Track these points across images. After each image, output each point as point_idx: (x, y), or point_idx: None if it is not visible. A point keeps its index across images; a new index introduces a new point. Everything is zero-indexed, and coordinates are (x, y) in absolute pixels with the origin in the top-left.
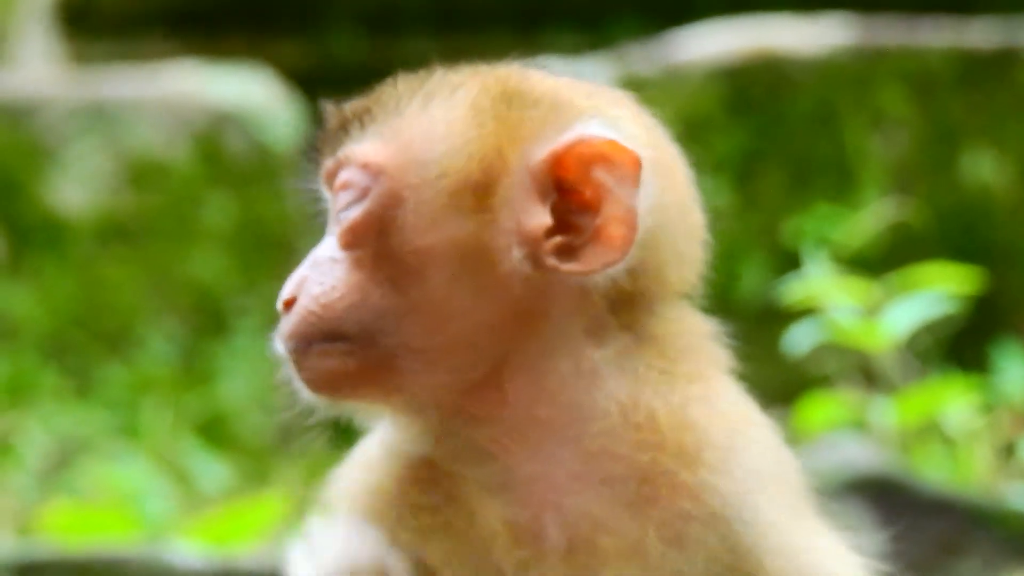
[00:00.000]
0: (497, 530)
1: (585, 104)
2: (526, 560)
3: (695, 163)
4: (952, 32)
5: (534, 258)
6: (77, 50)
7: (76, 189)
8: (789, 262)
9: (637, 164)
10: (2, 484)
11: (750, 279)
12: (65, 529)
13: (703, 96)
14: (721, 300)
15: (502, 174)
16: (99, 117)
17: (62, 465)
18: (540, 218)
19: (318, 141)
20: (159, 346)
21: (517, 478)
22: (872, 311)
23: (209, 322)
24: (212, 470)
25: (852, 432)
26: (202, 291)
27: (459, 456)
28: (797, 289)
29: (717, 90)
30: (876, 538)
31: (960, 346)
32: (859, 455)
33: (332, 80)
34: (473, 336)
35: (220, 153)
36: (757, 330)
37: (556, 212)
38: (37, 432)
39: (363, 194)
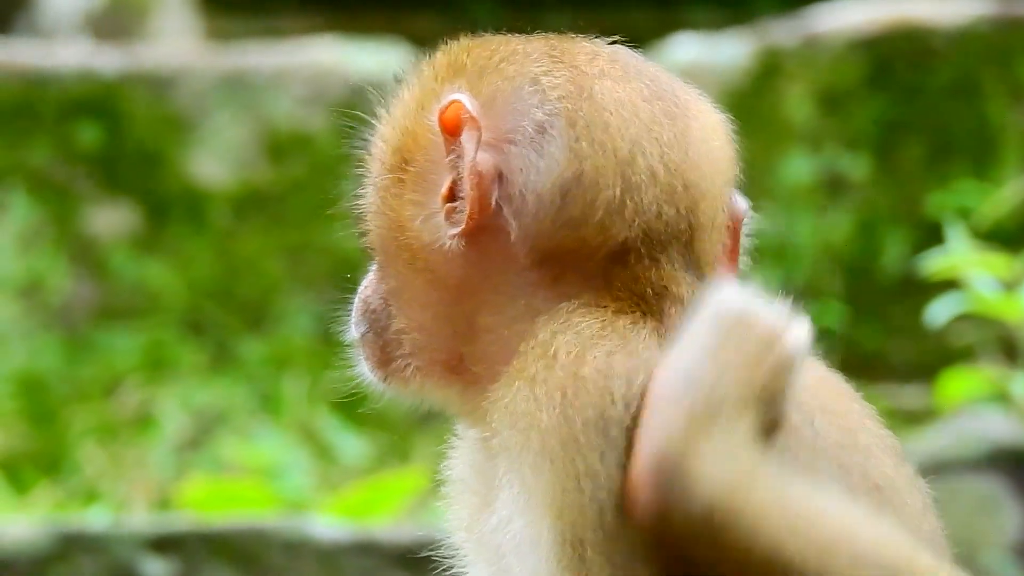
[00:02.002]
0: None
1: (503, 67)
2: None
3: (834, 136)
4: None
5: (442, 228)
6: (215, 26)
7: (215, 161)
8: (930, 235)
9: (474, 123)
10: (142, 458)
11: (891, 252)
12: (204, 503)
13: (842, 69)
14: (862, 272)
15: (415, 148)
16: (238, 89)
17: (201, 439)
18: (443, 187)
19: None
20: (297, 320)
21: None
22: (1013, 284)
23: (348, 295)
24: (351, 445)
25: (993, 405)
26: (340, 263)
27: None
28: (938, 262)
29: (857, 62)
30: (1016, 511)
31: None
32: (1000, 428)
33: None
34: (438, 312)
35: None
36: (898, 303)
37: (454, 179)
38: (176, 406)
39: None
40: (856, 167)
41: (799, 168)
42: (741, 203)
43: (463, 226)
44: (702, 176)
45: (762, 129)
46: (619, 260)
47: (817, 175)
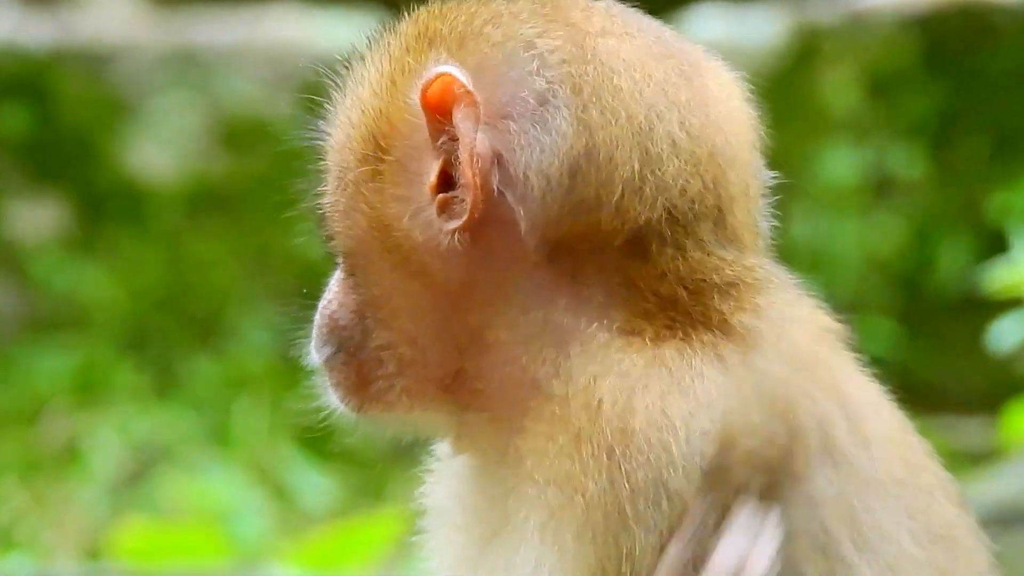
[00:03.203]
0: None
1: (488, 31)
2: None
3: (882, 127)
4: None
5: (436, 223)
6: None
7: (160, 151)
8: (993, 243)
9: (470, 99)
10: (69, 498)
11: (947, 263)
12: (143, 552)
13: (893, 50)
14: (914, 286)
15: (392, 133)
16: (188, 66)
17: (139, 476)
18: (431, 176)
19: None
20: (255, 336)
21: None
22: None
23: (312, 308)
24: (315, 483)
25: None
26: (307, 271)
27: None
28: (1002, 275)
29: (909, 43)
30: None
31: None
32: None
33: None
34: (435, 322)
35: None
36: (956, 322)
37: (445, 165)
38: (111, 437)
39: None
40: (907, 163)
41: (841, 164)
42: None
43: (465, 218)
44: (727, 140)
45: (799, 119)
46: (639, 250)
47: (862, 172)
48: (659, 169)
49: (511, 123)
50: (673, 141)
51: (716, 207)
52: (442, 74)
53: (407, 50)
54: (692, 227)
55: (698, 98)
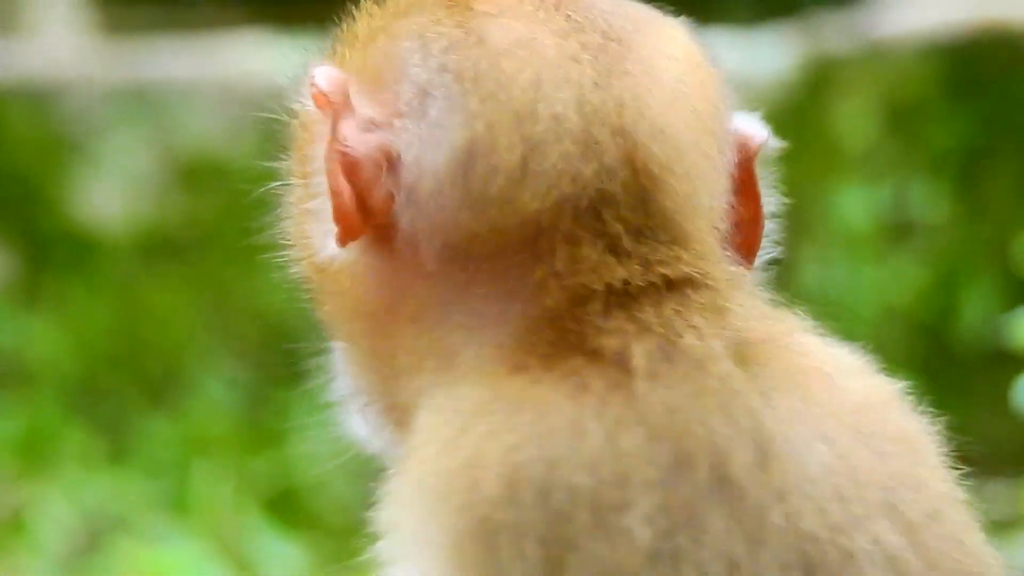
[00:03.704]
0: None
1: (393, 26)
2: None
3: (902, 162)
4: None
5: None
6: (110, 18)
7: (111, 193)
8: (1021, 291)
9: (324, 101)
10: (15, 571)
11: (972, 312)
12: None
13: (913, 79)
14: (936, 336)
15: (306, 145)
16: (140, 101)
17: (91, 547)
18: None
19: None
20: (217, 394)
21: None
22: None
23: (278, 364)
24: (281, 553)
25: None
26: (270, 324)
27: None
28: None
29: (931, 71)
30: None
31: None
32: None
33: None
34: (362, 351)
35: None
36: (980, 377)
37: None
38: (60, 505)
39: None
40: (929, 203)
41: (857, 203)
42: (752, 127)
43: (337, 232)
44: (650, 111)
45: (811, 154)
46: (533, 252)
47: (880, 213)
48: (543, 154)
49: (400, 120)
50: (558, 121)
51: (631, 191)
52: (313, 80)
53: (328, 55)
54: (592, 217)
55: (607, 71)
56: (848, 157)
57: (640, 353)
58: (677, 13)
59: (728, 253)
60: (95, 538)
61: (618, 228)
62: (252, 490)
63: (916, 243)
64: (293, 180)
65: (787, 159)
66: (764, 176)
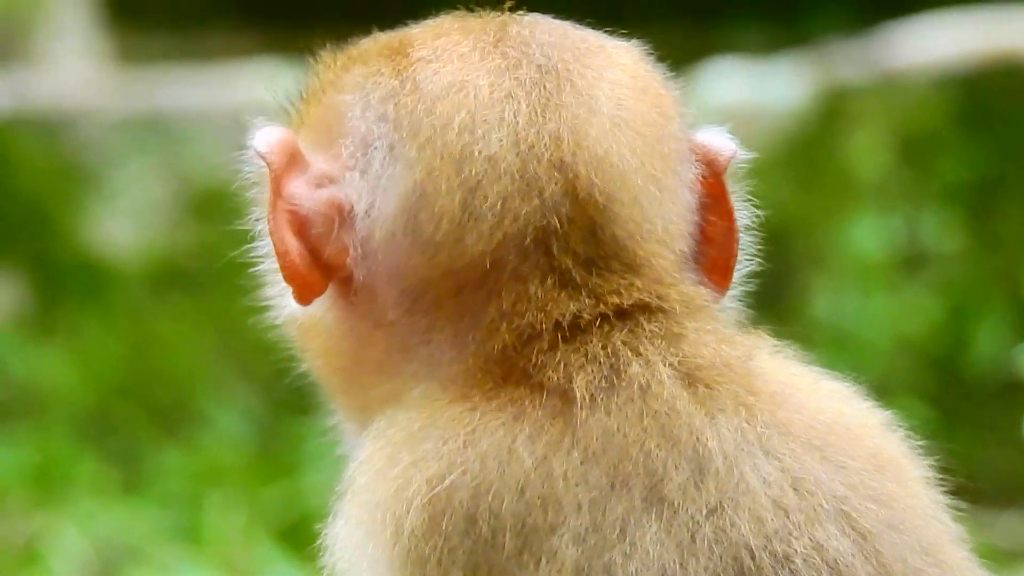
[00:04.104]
0: None
1: (342, 78)
2: None
3: (914, 193)
4: None
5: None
6: (124, 47)
7: (123, 223)
8: None
9: (263, 162)
10: None
11: (984, 342)
12: None
13: (927, 110)
14: (949, 368)
15: (257, 210)
16: (153, 132)
17: None
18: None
19: None
20: (229, 424)
21: None
22: None
23: (290, 394)
24: None
25: None
26: (282, 354)
27: None
28: None
29: (945, 102)
30: None
31: None
32: None
33: None
34: (343, 405)
35: None
36: (993, 409)
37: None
38: (72, 536)
39: None
40: (942, 234)
41: (870, 235)
42: (719, 142)
43: (291, 290)
44: (588, 141)
45: (823, 185)
46: (485, 290)
47: (892, 244)
48: (483, 196)
49: (347, 174)
50: (493, 162)
51: (577, 224)
52: (253, 143)
53: (267, 123)
54: (536, 256)
55: (543, 105)
56: (861, 187)
57: (582, 383)
58: (687, 45)
59: (693, 273)
60: (108, 569)
61: (567, 262)
62: (264, 520)
63: (928, 274)
64: (256, 243)
65: (800, 190)
66: (735, 190)
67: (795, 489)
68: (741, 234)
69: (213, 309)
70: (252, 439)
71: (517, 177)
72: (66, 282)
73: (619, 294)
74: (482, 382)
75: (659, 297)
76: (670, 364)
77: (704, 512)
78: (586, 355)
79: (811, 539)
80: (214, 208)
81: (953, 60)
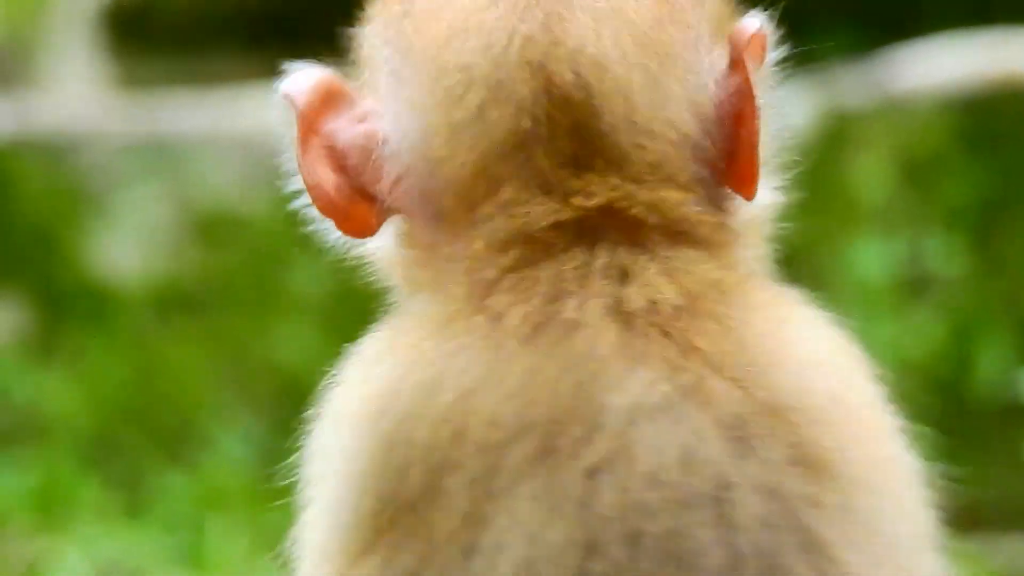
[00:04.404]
0: None
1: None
2: None
3: (918, 216)
4: None
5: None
6: (128, 71)
7: (127, 247)
8: None
9: (291, 102)
10: None
11: (988, 365)
12: None
13: (931, 132)
14: (952, 393)
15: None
16: (157, 155)
17: None
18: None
19: None
20: (232, 449)
21: None
22: None
23: (296, 418)
24: None
25: None
26: (288, 378)
27: None
28: None
29: (949, 125)
30: None
31: None
32: None
33: None
34: None
35: None
36: (998, 432)
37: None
38: (75, 560)
39: None
40: (945, 257)
41: (873, 258)
42: (747, 23)
43: (332, 219)
44: (566, 36)
45: (826, 209)
46: (472, 205)
47: (896, 267)
48: (462, 107)
49: (376, 105)
50: (468, 71)
51: (558, 122)
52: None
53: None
54: (516, 160)
55: (521, 10)
56: (864, 211)
57: (518, 315)
58: None
59: (710, 178)
60: None
61: (545, 164)
62: (267, 544)
63: (932, 297)
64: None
65: (802, 213)
66: (763, 75)
67: (681, 465)
68: (765, 123)
69: (217, 333)
70: (255, 462)
71: (493, 83)
72: (69, 306)
73: (587, 194)
74: (450, 302)
75: (628, 199)
76: (611, 300)
77: (581, 473)
78: (536, 279)
79: (671, 522)
80: (218, 232)
81: (957, 83)
